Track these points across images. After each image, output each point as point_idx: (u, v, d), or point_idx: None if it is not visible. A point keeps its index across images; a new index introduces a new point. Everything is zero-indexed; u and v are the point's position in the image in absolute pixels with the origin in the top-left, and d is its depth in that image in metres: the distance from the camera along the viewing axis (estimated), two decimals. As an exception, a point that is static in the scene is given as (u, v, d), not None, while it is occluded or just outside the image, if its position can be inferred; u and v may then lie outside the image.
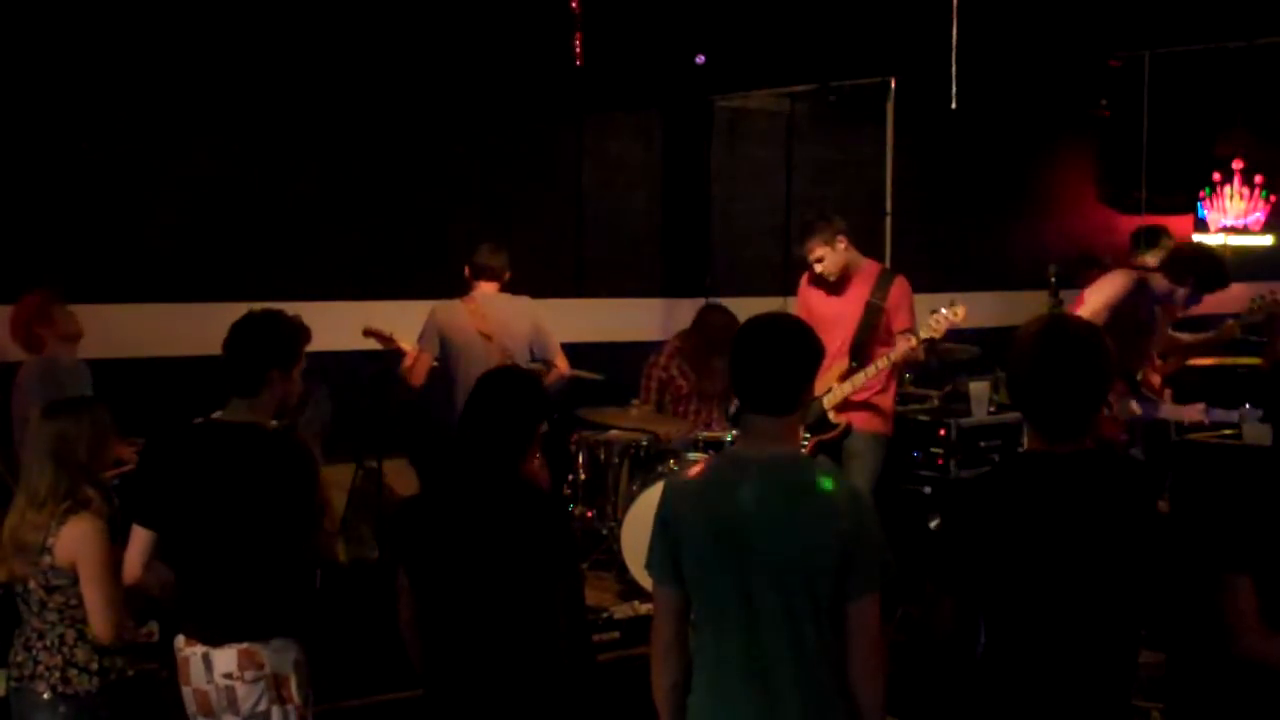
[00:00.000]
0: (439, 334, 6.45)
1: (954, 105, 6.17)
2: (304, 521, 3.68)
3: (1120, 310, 5.86)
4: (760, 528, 2.88)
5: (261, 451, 3.62)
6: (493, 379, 3.59)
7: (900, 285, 6.10)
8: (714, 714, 2.96)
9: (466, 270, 6.59)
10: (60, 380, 5.56)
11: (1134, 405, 5.80)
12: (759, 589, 2.88)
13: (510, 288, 6.69)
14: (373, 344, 6.79)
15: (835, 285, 6.09)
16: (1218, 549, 2.89)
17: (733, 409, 6.59)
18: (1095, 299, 5.91)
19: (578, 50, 7.05)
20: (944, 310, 5.95)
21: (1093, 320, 5.68)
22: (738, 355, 3.01)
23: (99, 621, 3.75)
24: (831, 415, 6.06)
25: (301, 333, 3.78)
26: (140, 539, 3.68)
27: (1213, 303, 8.27)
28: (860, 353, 6.04)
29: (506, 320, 6.50)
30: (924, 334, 5.94)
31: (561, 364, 6.58)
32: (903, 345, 5.93)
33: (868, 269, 6.15)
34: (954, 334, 6.22)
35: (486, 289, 6.56)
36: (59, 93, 6.52)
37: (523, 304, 6.63)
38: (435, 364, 6.48)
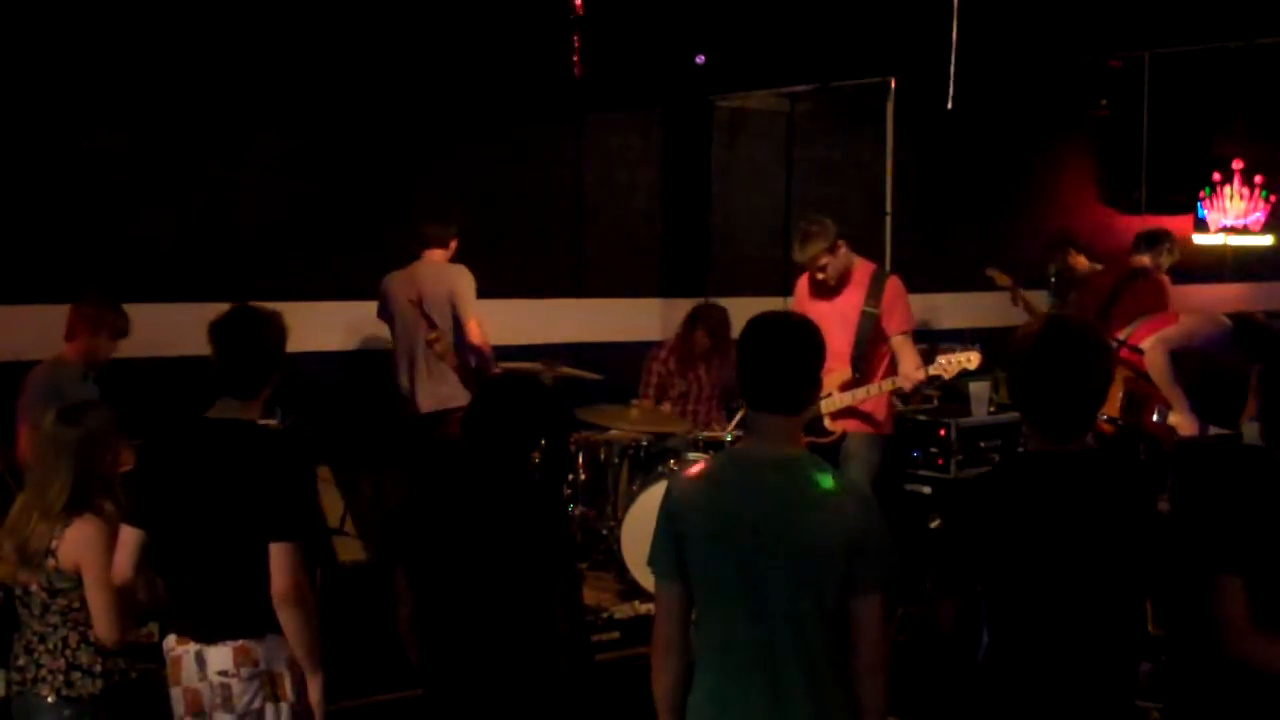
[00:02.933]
0: (387, 301, 6.66)
1: (950, 106, 6.17)
2: (303, 517, 3.66)
3: (1205, 350, 5.98)
4: (766, 526, 2.88)
5: (260, 449, 3.60)
6: (497, 383, 3.60)
7: (892, 287, 6.10)
8: (715, 713, 2.96)
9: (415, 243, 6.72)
10: (63, 388, 5.53)
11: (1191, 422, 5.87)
12: (763, 588, 2.88)
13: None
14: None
15: (833, 289, 6.09)
16: (1208, 550, 2.89)
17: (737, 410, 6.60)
18: (1189, 325, 6.02)
19: (576, 59, 7.05)
20: (960, 353, 6.01)
21: (1180, 339, 5.81)
22: (744, 354, 3.01)
23: (104, 623, 3.74)
24: (827, 422, 6.08)
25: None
26: (130, 539, 3.66)
27: (1211, 301, 8.29)
28: (861, 361, 6.06)
29: (429, 285, 6.56)
30: (934, 370, 6.04)
31: (472, 329, 6.48)
32: (912, 374, 5.99)
33: (862, 270, 6.15)
34: (954, 334, 6.24)
35: (430, 255, 6.67)
36: (59, 93, 6.52)
37: (445, 269, 6.65)
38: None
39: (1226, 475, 3.17)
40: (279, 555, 3.47)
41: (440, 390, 6.50)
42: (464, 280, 6.56)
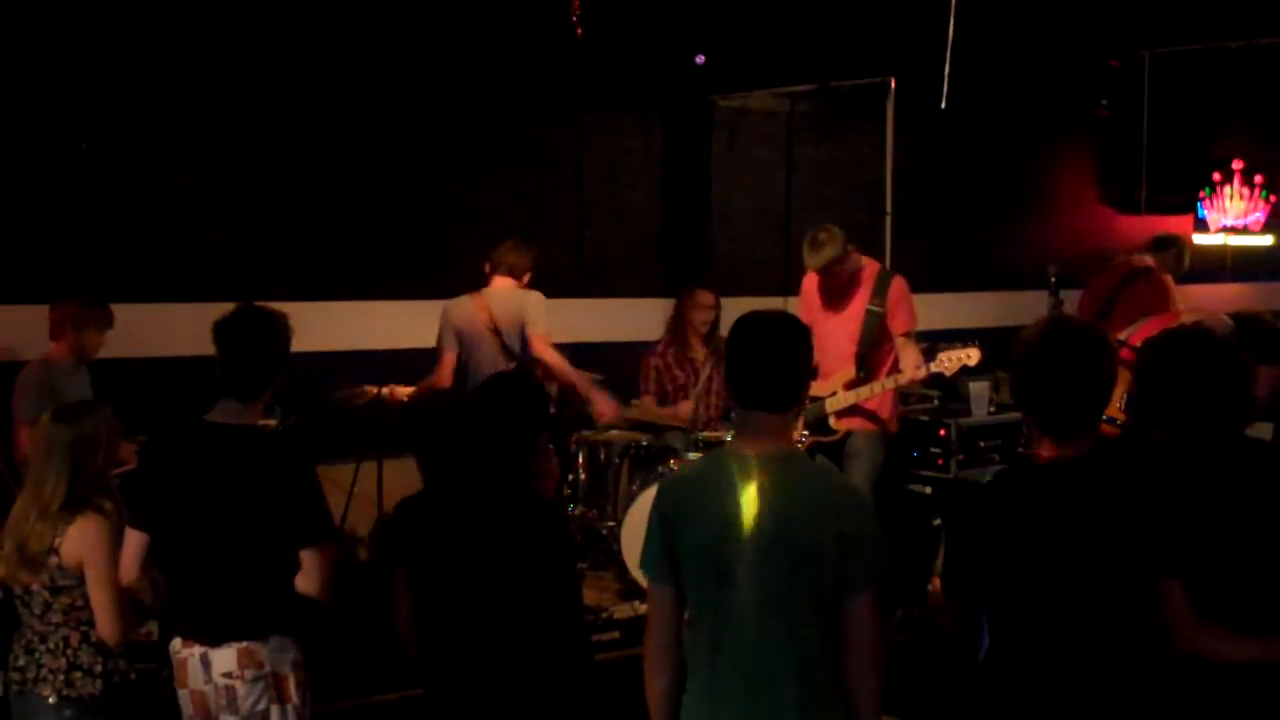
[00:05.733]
0: (454, 330, 6.40)
1: (944, 105, 6.16)
2: (327, 519, 3.66)
3: None
4: (759, 526, 2.87)
5: (261, 452, 3.60)
6: (495, 383, 3.60)
7: (897, 286, 6.13)
8: (710, 714, 2.95)
9: (485, 265, 6.53)
10: (56, 385, 5.55)
11: None
12: (757, 588, 2.87)
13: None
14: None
15: (840, 290, 6.12)
16: (1147, 557, 2.87)
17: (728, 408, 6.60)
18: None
19: (576, 59, 7.06)
20: (960, 349, 6.03)
21: None
22: (733, 353, 3.01)
23: (107, 622, 3.73)
24: (832, 421, 6.10)
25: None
26: (135, 542, 3.66)
27: (1211, 301, 8.29)
28: (866, 360, 6.08)
29: (504, 313, 6.46)
30: (935, 368, 6.03)
31: (539, 346, 6.36)
32: (913, 372, 6.01)
33: (868, 270, 6.18)
34: (953, 334, 6.25)
35: (499, 284, 6.52)
36: (59, 93, 6.52)
37: (517, 294, 6.51)
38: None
39: (1159, 482, 3.12)
40: (314, 560, 3.51)
41: None
42: (534, 301, 6.44)
